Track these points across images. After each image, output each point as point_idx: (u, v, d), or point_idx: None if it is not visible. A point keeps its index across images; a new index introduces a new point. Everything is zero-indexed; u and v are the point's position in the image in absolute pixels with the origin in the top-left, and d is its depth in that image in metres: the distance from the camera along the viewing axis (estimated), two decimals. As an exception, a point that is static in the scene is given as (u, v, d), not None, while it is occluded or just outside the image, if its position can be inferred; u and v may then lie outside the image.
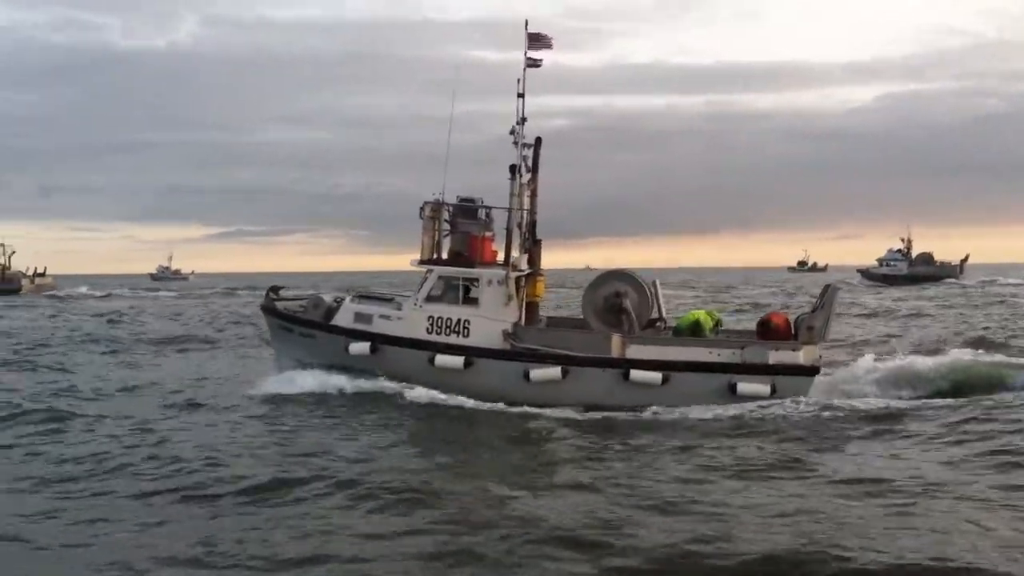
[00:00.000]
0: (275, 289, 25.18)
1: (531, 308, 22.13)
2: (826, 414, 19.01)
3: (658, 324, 22.56)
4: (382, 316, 21.86)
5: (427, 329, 21.28)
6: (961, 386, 21.07)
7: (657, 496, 12.84)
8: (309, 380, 21.81)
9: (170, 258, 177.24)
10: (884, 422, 18.31)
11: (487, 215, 22.58)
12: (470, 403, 20.22)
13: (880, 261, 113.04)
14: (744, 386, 19.86)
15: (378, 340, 21.51)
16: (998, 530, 11.10)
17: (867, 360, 23.51)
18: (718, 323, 22.69)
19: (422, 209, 22.25)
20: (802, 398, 19.91)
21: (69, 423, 19.04)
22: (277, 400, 20.99)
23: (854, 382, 21.69)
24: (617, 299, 21.54)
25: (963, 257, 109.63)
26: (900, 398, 20.55)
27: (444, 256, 22.29)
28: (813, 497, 12.71)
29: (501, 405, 20.00)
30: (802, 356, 20.24)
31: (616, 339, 20.67)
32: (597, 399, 20.04)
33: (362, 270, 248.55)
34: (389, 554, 10.62)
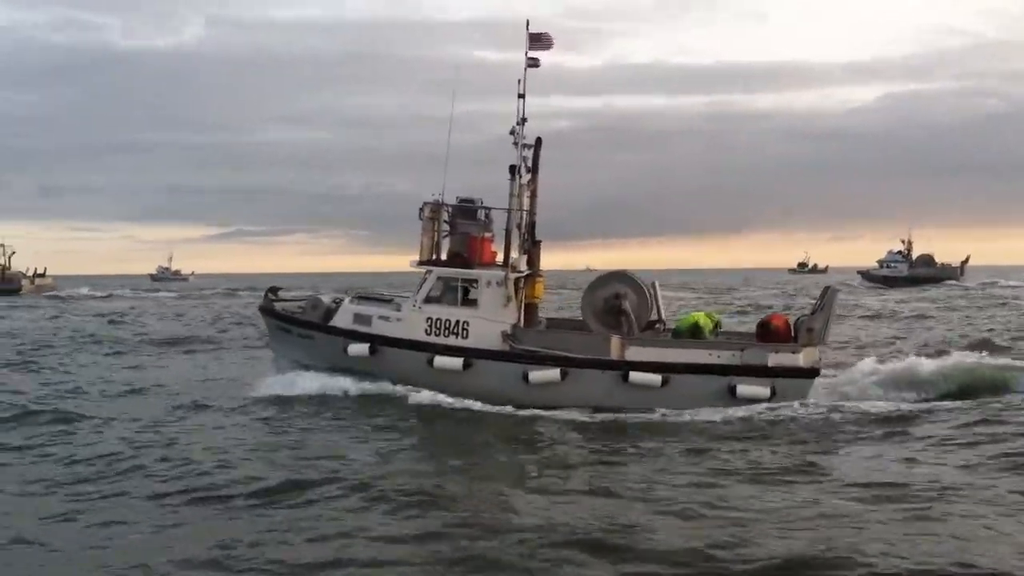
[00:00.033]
0: (274, 290, 25.14)
1: (530, 309, 22.08)
2: (836, 416, 18.98)
3: (657, 326, 22.50)
4: (381, 317, 21.81)
5: (426, 330, 21.22)
6: (967, 389, 21.02)
7: (673, 500, 12.79)
8: (311, 382, 21.75)
9: (170, 258, 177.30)
10: (894, 425, 18.27)
11: (486, 216, 22.51)
12: (477, 405, 20.14)
13: (880, 263, 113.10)
14: (744, 388, 19.79)
15: (377, 341, 21.45)
16: (1018, 535, 11.06)
17: (869, 363, 23.48)
18: (717, 325, 22.65)
19: (421, 210, 22.17)
20: (811, 400, 19.92)
21: (77, 425, 19.00)
22: (282, 402, 20.94)
23: (859, 385, 21.61)
24: (616, 301, 21.48)
25: (964, 259, 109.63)
26: (907, 401, 20.49)
27: (443, 257, 22.23)
28: (829, 502, 12.64)
29: (509, 408, 19.93)
30: (802, 358, 20.18)
31: (615, 341, 20.60)
32: (596, 401, 19.98)
33: (363, 271, 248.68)
34: (407, 558, 10.58)
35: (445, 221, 22.36)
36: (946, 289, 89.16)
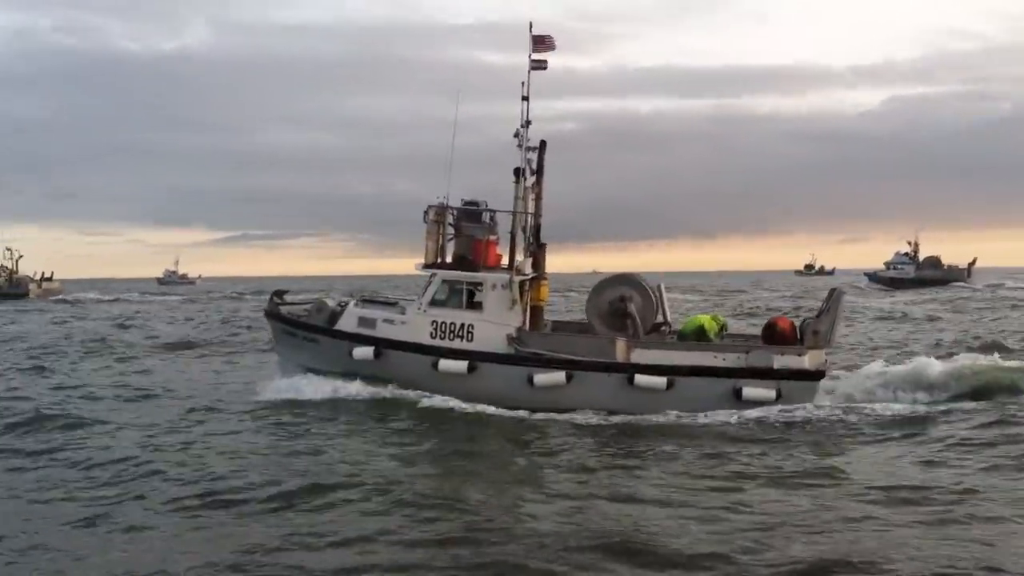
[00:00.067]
0: (279, 294, 25.19)
1: (536, 312, 22.01)
2: (851, 418, 19.01)
3: (663, 328, 22.43)
4: (386, 320, 21.79)
5: (431, 333, 21.20)
6: (982, 390, 20.97)
7: (695, 504, 12.75)
8: (321, 386, 21.70)
9: (177, 262, 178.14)
10: (910, 427, 18.26)
11: (491, 219, 22.46)
12: (490, 409, 20.09)
13: (887, 265, 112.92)
14: (749, 391, 19.73)
15: (382, 345, 21.43)
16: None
17: (880, 364, 23.48)
18: (723, 327, 22.55)
19: (426, 213, 22.15)
20: (826, 402, 19.90)
21: (91, 429, 19.01)
22: (294, 406, 20.91)
23: (871, 386, 21.53)
24: (621, 303, 21.41)
25: (971, 261, 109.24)
26: (922, 402, 20.43)
27: (448, 260, 22.20)
28: (851, 505, 12.60)
29: (522, 412, 19.87)
30: (807, 360, 20.11)
31: (621, 343, 20.54)
32: (601, 404, 19.93)
33: (370, 274, 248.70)
34: (430, 562, 10.55)
35: (450, 224, 22.34)
36: (954, 291, 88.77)
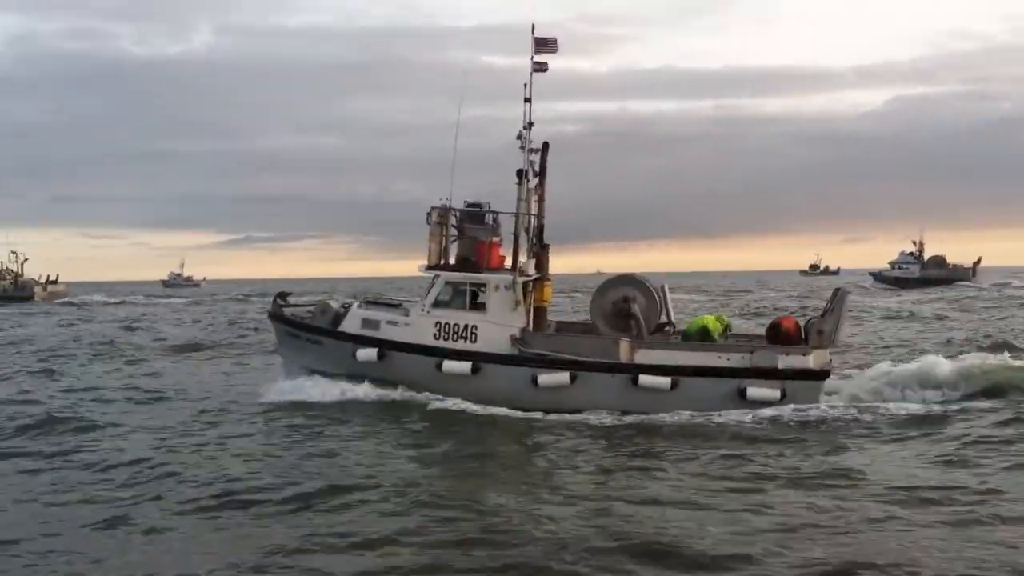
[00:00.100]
0: (283, 295, 25.21)
1: (539, 313, 22.00)
2: (867, 418, 19.01)
3: (667, 328, 22.41)
4: (389, 322, 21.80)
5: (435, 335, 21.20)
6: (992, 390, 20.96)
7: (716, 506, 12.68)
8: (331, 388, 21.67)
9: (182, 264, 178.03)
10: (926, 426, 18.23)
11: (494, 220, 22.43)
12: (502, 411, 20.04)
13: (892, 264, 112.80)
14: (754, 391, 19.71)
15: (385, 346, 21.44)
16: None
17: (889, 364, 23.44)
18: (727, 328, 22.53)
19: (429, 214, 22.14)
20: (840, 402, 19.88)
21: (103, 431, 19.00)
22: (306, 408, 20.85)
23: (879, 386, 21.52)
24: (625, 304, 21.40)
25: (976, 260, 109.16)
26: (936, 402, 20.40)
27: (451, 261, 22.21)
28: (873, 506, 12.52)
29: (538, 414, 19.79)
30: (812, 360, 20.08)
31: (624, 344, 20.54)
32: (605, 404, 19.91)
33: (374, 275, 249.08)
34: (453, 564, 10.50)
35: (453, 226, 22.32)
36: (959, 290, 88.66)
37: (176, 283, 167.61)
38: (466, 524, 11.83)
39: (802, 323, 21.85)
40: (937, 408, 19.78)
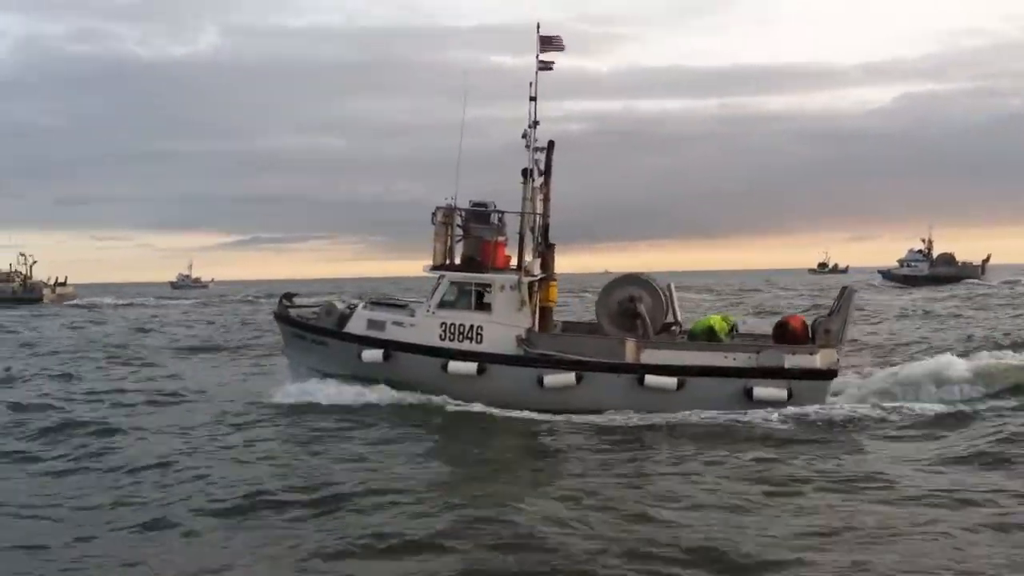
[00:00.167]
0: (288, 296, 25.17)
1: (545, 313, 21.89)
2: (894, 418, 18.91)
3: (673, 328, 22.33)
4: (395, 323, 21.75)
5: (440, 335, 21.15)
6: (1015, 388, 20.83)
7: (757, 510, 12.52)
8: (339, 390, 21.58)
9: (190, 266, 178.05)
10: (954, 425, 18.17)
11: (500, 220, 22.35)
12: (524, 414, 19.87)
13: (901, 262, 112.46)
14: (760, 391, 19.62)
15: (391, 347, 21.38)
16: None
17: (912, 363, 23.35)
18: (734, 327, 22.41)
19: (434, 215, 22.06)
20: (860, 408, 19.68)
21: (125, 434, 18.90)
22: (324, 410, 20.73)
23: (899, 384, 21.39)
24: (631, 303, 21.30)
25: (985, 257, 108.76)
26: (960, 401, 20.28)
27: (456, 262, 22.15)
28: (915, 510, 12.36)
29: (562, 417, 19.55)
30: (819, 360, 19.96)
31: (630, 344, 20.44)
32: (611, 405, 19.83)
33: (381, 276, 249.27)
34: (498, 569, 10.38)
35: (458, 225, 22.23)
36: (969, 288, 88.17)
37: (184, 284, 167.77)
38: (502, 528, 11.68)
39: (809, 322, 21.75)
40: (964, 407, 19.63)
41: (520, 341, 20.77)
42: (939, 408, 19.57)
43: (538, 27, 21.75)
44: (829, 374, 19.98)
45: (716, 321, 21.92)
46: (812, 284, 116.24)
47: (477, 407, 20.30)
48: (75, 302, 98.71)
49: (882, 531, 11.39)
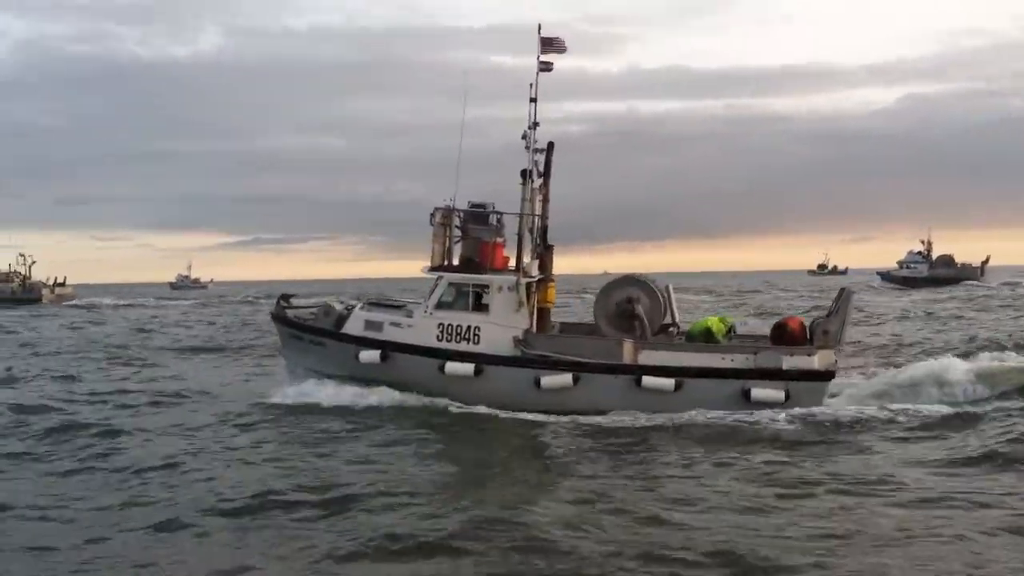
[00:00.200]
0: (286, 297, 25.14)
1: (543, 314, 21.87)
2: (901, 419, 18.85)
3: (671, 329, 22.31)
4: (392, 324, 21.72)
5: (437, 336, 21.12)
6: (1019, 390, 20.77)
7: (771, 513, 12.45)
8: (340, 392, 21.54)
9: (189, 266, 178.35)
10: (960, 427, 18.10)
11: (498, 220, 22.31)
12: (531, 415, 19.76)
13: (900, 264, 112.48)
14: (758, 392, 19.59)
15: (388, 348, 21.36)
16: None
17: (917, 364, 23.28)
18: (731, 328, 22.40)
19: (432, 215, 22.02)
20: (867, 409, 19.64)
21: (131, 435, 18.82)
22: (326, 411, 20.67)
23: (902, 386, 21.31)
24: (629, 305, 21.29)
25: (984, 259, 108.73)
26: (967, 402, 20.22)
27: (455, 262, 22.13)
28: (929, 513, 12.30)
29: (565, 419, 19.47)
30: (817, 361, 19.94)
31: (628, 345, 20.42)
32: (609, 406, 19.78)
33: (381, 276, 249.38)
34: (513, 572, 10.35)
35: (457, 226, 22.19)
36: (969, 289, 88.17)
37: (184, 285, 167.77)
38: (515, 530, 11.61)
39: (808, 323, 21.73)
40: (970, 408, 19.58)
41: (517, 342, 20.74)
42: (946, 410, 19.52)
43: (539, 28, 21.72)
44: (827, 375, 19.95)
45: (713, 322, 21.91)
46: (811, 285, 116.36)
47: (481, 409, 20.24)
48: (74, 302, 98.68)
49: (897, 534, 11.33)
